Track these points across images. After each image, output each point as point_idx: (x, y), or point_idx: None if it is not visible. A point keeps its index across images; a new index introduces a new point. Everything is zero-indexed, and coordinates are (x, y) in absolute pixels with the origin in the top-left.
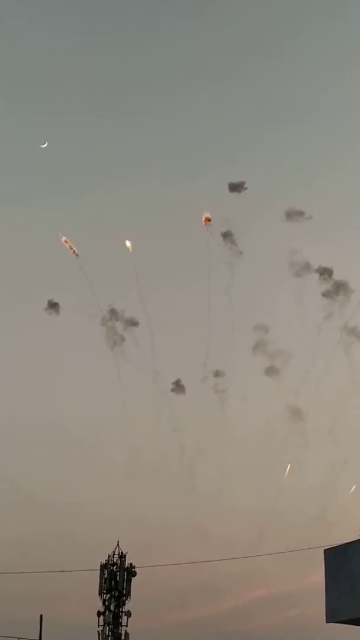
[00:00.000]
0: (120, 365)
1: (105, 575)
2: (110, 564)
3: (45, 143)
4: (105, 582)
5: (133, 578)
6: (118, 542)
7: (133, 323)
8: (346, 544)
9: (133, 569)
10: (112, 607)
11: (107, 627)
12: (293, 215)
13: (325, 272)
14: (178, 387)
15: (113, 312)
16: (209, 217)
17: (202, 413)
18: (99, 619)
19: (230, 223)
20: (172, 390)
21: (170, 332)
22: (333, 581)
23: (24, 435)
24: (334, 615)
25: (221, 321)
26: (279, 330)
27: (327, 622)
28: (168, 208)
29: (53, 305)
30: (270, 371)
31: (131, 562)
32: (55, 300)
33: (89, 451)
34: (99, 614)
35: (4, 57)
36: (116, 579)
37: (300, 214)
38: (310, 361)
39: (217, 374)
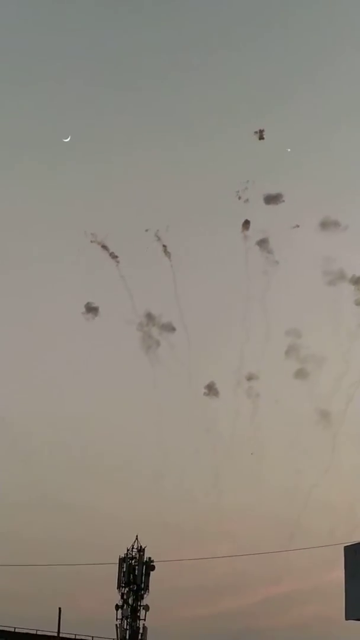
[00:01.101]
0: (156, 370)
1: (124, 569)
2: (129, 558)
3: (68, 137)
4: (123, 576)
5: (152, 572)
6: (137, 536)
7: (169, 328)
8: None
9: (152, 563)
10: (130, 601)
11: (125, 621)
12: (329, 225)
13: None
14: (211, 390)
15: (149, 317)
16: (248, 220)
17: (235, 416)
18: (117, 613)
19: (266, 233)
20: (205, 394)
21: (206, 336)
22: (353, 578)
23: (57, 435)
24: (353, 612)
25: (256, 327)
26: (311, 336)
27: (346, 619)
28: (206, 216)
29: (91, 309)
30: (300, 374)
31: (150, 556)
32: (94, 304)
33: (121, 453)
34: (117, 607)
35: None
36: (135, 573)
37: (336, 224)
38: (343, 367)
39: (250, 377)
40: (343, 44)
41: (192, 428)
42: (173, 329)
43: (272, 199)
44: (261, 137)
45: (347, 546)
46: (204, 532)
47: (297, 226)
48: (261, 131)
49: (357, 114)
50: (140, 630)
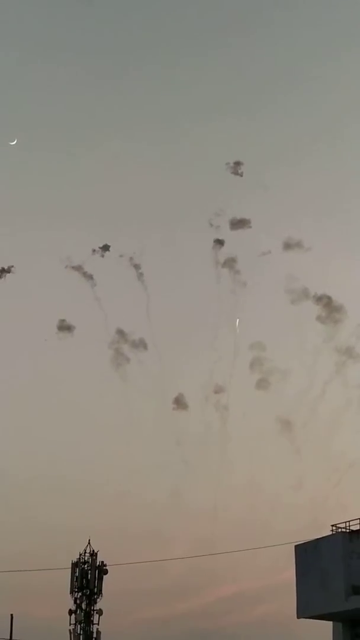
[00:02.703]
0: (127, 385)
1: (77, 574)
2: (81, 562)
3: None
4: (76, 581)
5: (105, 576)
6: (89, 540)
7: (141, 345)
8: (317, 539)
9: (104, 567)
10: (83, 606)
11: (79, 626)
12: (292, 245)
13: (321, 298)
14: (180, 404)
15: (121, 334)
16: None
17: (203, 428)
18: (70, 618)
19: (234, 255)
20: (174, 408)
21: (176, 353)
22: (304, 577)
23: (25, 450)
24: (305, 610)
25: (224, 344)
26: (276, 351)
27: (298, 617)
28: (177, 235)
29: (64, 327)
30: (261, 384)
31: (103, 560)
32: (67, 321)
33: (86, 465)
34: (70, 612)
35: None
36: (87, 577)
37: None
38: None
39: (217, 390)
40: (300, 72)
41: (159, 439)
42: (145, 346)
43: (239, 223)
44: (236, 172)
45: (298, 545)
46: (160, 535)
47: (269, 252)
48: (237, 164)
49: (321, 139)
50: (94, 635)
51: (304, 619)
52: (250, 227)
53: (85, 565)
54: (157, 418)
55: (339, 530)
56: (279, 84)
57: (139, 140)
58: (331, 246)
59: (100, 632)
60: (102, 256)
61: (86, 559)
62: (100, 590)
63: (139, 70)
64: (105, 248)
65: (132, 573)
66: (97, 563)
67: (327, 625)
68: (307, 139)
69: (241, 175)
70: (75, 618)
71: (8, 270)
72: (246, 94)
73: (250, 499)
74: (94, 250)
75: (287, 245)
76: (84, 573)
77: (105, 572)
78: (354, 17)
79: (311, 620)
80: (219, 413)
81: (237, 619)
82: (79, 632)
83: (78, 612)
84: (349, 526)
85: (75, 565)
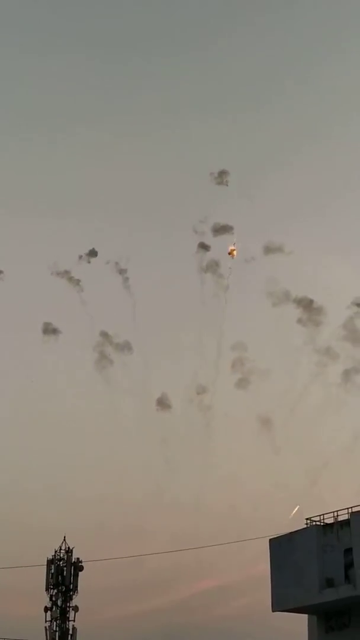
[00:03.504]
0: (111, 386)
1: (52, 571)
2: (57, 559)
3: None
4: (52, 578)
5: (80, 573)
6: (64, 537)
7: (126, 346)
8: (291, 533)
9: (80, 564)
10: (59, 603)
11: (55, 623)
12: (274, 250)
13: (302, 301)
14: (163, 404)
15: (106, 337)
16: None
17: (186, 427)
18: (46, 615)
19: (218, 260)
20: (157, 408)
21: (161, 355)
22: (278, 570)
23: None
24: (279, 603)
25: (208, 346)
26: (257, 352)
27: (272, 611)
28: (163, 242)
29: (50, 330)
30: (242, 384)
31: (78, 557)
32: (53, 325)
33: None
34: (46, 609)
35: None
36: (63, 574)
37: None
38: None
39: (200, 391)
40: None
41: (142, 439)
42: (130, 349)
43: (222, 229)
44: (221, 182)
45: (272, 539)
46: (139, 531)
47: (252, 258)
48: (221, 173)
49: (304, 145)
50: (70, 632)
51: (279, 612)
52: (232, 232)
53: (61, 562)
54: (140, 418)
55: (314, 523)
56: (265, 89)
57: (125, 146)
58: (312, 250)
59: (76, 629)
60: (89, 262)
61: (61, 555)
62: (76, 587)
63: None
64: (92, 253)
65: (109, 569)
66: (73, 560)
67: (303, 618)
68: (290, 144)
69: (226, 185)
70: (51, 615)
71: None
72: (233, 97)
73: (231, 495)
74: (80, 257)
75: (269, 250)
76: (59, 570)
77: (81, 568)
78: (338, 22)
79: (286, 613)
80: (202, 412)
81: (215, 613)
82: (54, 629)
83: (54, 609)
84: (324, 519)
85: (50, 562)
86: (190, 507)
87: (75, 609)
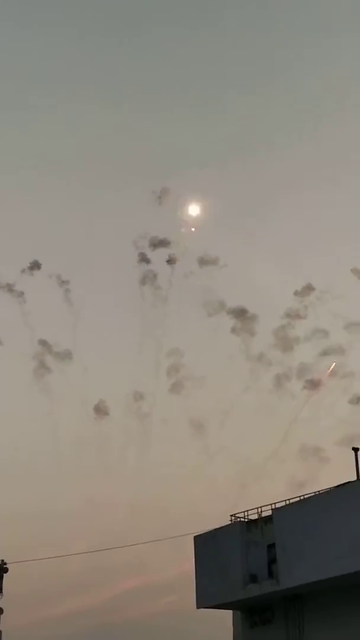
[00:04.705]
0: (52, 395)
1: None
2: None
3: None
4: None
5: (5, 575)
6: None
7: (66, 355)
8: (215, 530)
9: (4, 566)
10: None
11: None
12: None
13: (235, 311)
14: (100, 411)
15: (46, 346)
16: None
17: (122, 433)
18: None
19: (156, 271)
20: (95, 417)
21: (101, 364)
22: (203, 567)
23: None
24: (204, 600)
25: (146, 354)
26: (193, 360)
27: (197, 607)
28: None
29: None
30: (176, 389)
31: (2, 558)
32: None
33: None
34: None
35: None
36: None
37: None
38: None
39: (137, 397)
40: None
41: (78, 446)
42: (70, 357)
43: (160, 243)
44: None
45: (197, 536)
46: (65, 533)
47: (192, 273)
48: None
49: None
50: None
51: (203, 609)
52: (169, 246)
53: None
54: (77, 425)
55: (238, 519)
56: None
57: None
58: (246, 261)
59: (1, 632)
60: (32, 274)
61: None
62: (1, 589)
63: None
64: (35, 265)
65: (35, 571)
66: None
67: (228, 614)
68: (221, 155)
69: (166, 203)
70: None
71: None
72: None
73: (164, 498)
74: (22, 270)
75: (204, 262)
76: None
77: (6, 570)
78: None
79: (212, 610)
80: (138, 418)
81: (142, 611)
82: None
83: None
84: (247, 516)
85: None
86: (123, 509)
87: (0, 611)
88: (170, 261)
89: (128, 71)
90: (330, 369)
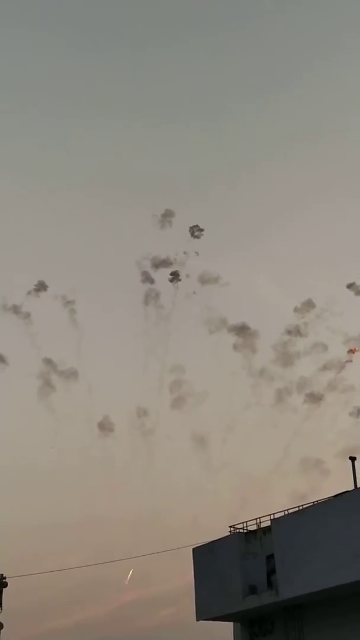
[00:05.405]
0: (55, 412)
1: None
2: None
3: None
4: None
5: (5, 589)
6: None
7: (70, 373)
8: (213, 541)
9: (4, 580)
10: None
11: None
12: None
13: (236, 327)
14: (104, 428)
15: (50, 363)
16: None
17: (128, 448)
18: None
19: (160, 291)
20: (99, 432)
21: (105, 382)
22: (202, 579)
23: None
24: (203, 612)
25: (150, 371)
26: (196, 376)
27: (197, 619)
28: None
29: None
30: (178, 404)
31: (1, 572)
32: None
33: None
34: None
35: None
36: None
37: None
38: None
39: (142, 413)
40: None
41: (82, 461)
42: (76, 375)
43: (162, 263)
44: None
45: (195, 548)
46: (66, 547)
47: (194, 292)
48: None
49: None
50: None
51: (203, 622)
52: (171, 266)
53: None
54: (82, 441)
55: (236, 530)
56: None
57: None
58: (247, 279)
59: None
60: (38, 296)
61: None
62: (0, 604)
63: None
64: (41, 286)
65: (35, 584)
66: None
67: (228, 626)
68: (223, 176)
69: (170, 225)
70: None
71: None
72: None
73: (166, 511)
74: (29, 292)
75: (205, 280)
76: None
77: (5, 585)
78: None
79: (212, 621)
80: (142, 433)
81: (141, 624)
82: None
83: None
84: (247, 527)
85: None
86: (125, 523)
87: (0, 626)
88: (173, 280)
89: (148, 88)
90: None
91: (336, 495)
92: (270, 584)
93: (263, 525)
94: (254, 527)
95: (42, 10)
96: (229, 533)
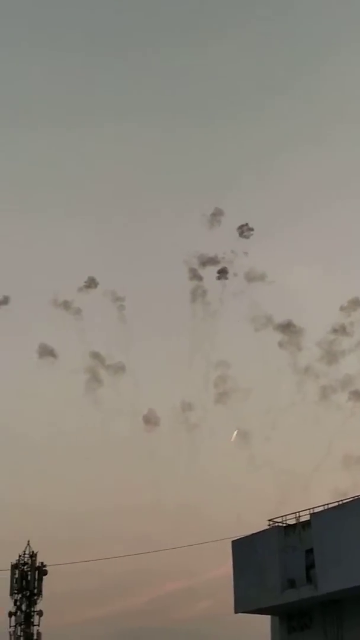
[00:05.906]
0: (103, 406)
1: (16, 576)
2: (21, 564)
3: None
4: (16, 582)
5: (44, 577)
6: (29, 541)
7: (119, 368)
8: (253, 534)
9: (44, 568)
10: (23, 607)
11: (19, 627)
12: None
13: (282, 325)
14: (150, 422)
15: (99, 357)
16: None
17: (172, 442)
18: (10, 620)
19: (206, 287)
20: (145, 425)
21: (152, 376)
22: (241, 572)
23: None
24: (242, 605)
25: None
26: (241, 373)
27: (235, 612)
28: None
29: (45, 350)
30: (222, 399)
31: (42, 560)
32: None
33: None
34: (10, 614)
35: None
36: (27, 579)
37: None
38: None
39: (186, 408)
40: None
41: (129, 456)
42: (123, 370)
43: (210, 261)
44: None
45: (235, 540)
46: (99, 534)
47: (241, 292)
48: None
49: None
50: (35, 636)
51: (241, 614)
52: (219, 264)
53: (25, 567)
54: (128, 435)
55: (276, 524)
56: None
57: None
58: (294, 277)
59: (40, 634)
60: (88, 292)
61: (26, 560)
62: (40, 591)
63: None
64: (91, 282)
65: (73, 573)
66: (37, 564)
67: (266, 619)
68: (269, 174)
69: (219, 223)
70: (15, 620)
71: (5, 302)
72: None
73: (208, 504)
74: (79, 289)
75: (252, 278)
76: (23, 574)
77: (45, 572)
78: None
79: (250, 614)
80: (187, 428)
81: (179, 615)
82: (19, 633)
83: (18, 613)
84: (285, 520)
85: (14, 566)
86: (169, 514)
87: (40, 613)
88: (220, 277)
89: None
90: None
91: None
92: (309, 578)
93: (302, 520)
94: (293, 521)
95: None
96: (268, 526)
